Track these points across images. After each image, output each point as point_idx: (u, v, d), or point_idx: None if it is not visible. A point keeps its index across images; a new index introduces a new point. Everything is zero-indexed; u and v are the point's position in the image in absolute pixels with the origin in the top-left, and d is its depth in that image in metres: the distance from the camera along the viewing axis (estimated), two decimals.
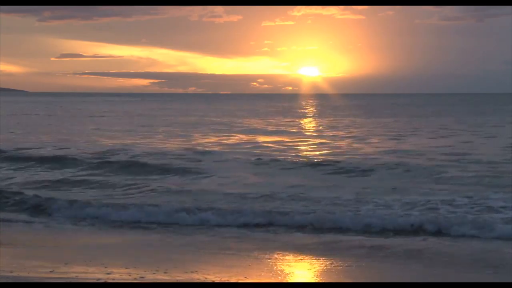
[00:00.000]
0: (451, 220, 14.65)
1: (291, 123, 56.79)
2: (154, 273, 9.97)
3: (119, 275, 9.83)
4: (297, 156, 28.47)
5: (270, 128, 48.75)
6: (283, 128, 48.79)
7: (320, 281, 10.11)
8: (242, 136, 39.78)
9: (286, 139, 37.49)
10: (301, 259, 11.91)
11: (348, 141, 36.25)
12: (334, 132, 43.97)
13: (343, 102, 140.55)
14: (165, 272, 10.06)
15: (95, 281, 9.35)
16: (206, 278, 9.73)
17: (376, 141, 36.04)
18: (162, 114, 75.35)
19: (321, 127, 51.45)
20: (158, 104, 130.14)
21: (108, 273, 9.89)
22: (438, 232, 14.17)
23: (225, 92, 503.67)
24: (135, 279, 9.61)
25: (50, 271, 10.04)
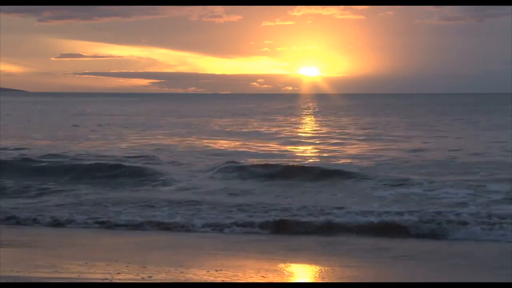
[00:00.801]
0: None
1: (265, 124, 54.76)
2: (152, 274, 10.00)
3: (123, 275, 9.85)
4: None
5: (245, 130, 47.07)
6: (257, 130, 46.80)
7: (320, 281, 10.12)
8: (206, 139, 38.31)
9: (252, 143, 35.49)
10: (303, 259, 11.96)
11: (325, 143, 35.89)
12: (318, 134, 43.11)
13: (341, 102, 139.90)
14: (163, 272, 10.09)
15: (100, 281, 9.34)
16: (215, 279, 9.74)
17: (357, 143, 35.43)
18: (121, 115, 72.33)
19: (304, 129, 50.28)
20: (142, 104, 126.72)
21: (118, 273, 9.92)
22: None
23: (225, 92, 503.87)
24: (142, 278, 9.63)
25: (55, 271, 10.06)
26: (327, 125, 53.60)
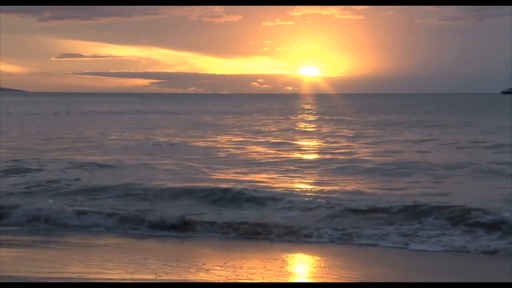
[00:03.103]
0: None
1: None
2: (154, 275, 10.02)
3: (123, 275, 9.87)
4: None
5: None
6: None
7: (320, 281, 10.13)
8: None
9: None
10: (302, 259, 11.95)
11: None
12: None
13: (335, 103, 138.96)
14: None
15: (107, 281, 9.37)
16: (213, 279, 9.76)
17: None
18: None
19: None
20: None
21: (120, 273, 9.92)
22: None
23: (225, 92, 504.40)
24: (159, 277, 9.67)
25: (55, 271, 10.09)
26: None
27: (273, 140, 36.53)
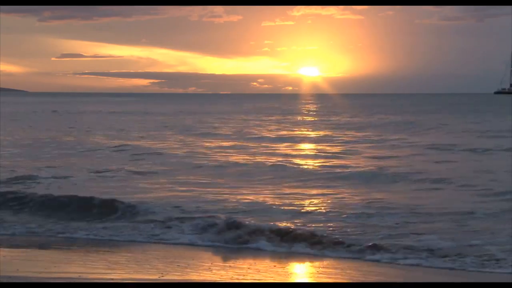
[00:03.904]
0: None
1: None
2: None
3: (122, 275, 9.85)
4: None
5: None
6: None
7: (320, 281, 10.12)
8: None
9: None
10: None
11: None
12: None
13: (331, 102, 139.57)
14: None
15: (108, 281, 9.35)
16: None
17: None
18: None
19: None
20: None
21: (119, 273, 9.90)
22: None
23: (225, 92, 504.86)
24: (161, 277, 9.63)
25: (55, 271, 10.06)
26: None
27: (227, 143, 34.69)
